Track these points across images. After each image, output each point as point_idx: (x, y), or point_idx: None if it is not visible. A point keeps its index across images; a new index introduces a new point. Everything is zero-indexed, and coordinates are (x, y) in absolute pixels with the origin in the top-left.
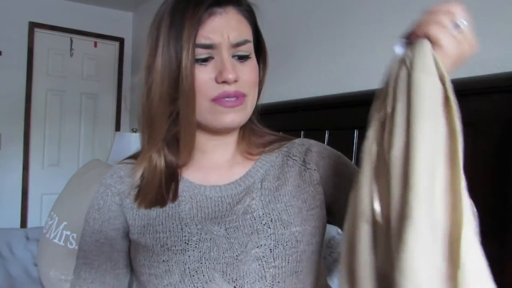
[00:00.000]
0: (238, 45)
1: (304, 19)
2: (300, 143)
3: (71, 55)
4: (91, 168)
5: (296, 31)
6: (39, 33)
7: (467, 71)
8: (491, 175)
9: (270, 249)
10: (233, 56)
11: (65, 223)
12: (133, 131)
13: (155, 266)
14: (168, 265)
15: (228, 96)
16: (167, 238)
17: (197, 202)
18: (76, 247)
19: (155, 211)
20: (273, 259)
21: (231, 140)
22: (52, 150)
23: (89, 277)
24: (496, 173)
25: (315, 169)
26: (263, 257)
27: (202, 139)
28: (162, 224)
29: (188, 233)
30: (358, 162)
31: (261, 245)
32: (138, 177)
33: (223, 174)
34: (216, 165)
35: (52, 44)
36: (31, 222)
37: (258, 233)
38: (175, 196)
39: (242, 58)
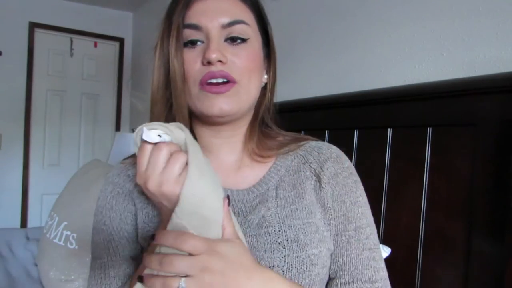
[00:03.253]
0: (230, 25)
1: (304, 19)
2: (317, 149)
3: (71, 55)
4: (91, 168)
5: (296, 31)
6: (39, 33)
7: (467, 71)
8: (491, 175)
9: (283, 271)
10: (226, 40)
11: (65, 223)
12: (133, 131)
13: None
14: None
15: (213, 76)
16: None
17: None
18: (76, 247)
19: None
20: None
21: (236, 139)
22: (52, 150)
23: (117, 274)
24: (496, 173)
25: (328, 190)
26: None
27: (205, 135)
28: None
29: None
30: (358, 162)
31: (273, 266)
32: None
33: (231, 176)
34: (222, 166)
35: (52, 44)
36: (31, 222)
37: (272, 252)
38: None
39: (236, 40)
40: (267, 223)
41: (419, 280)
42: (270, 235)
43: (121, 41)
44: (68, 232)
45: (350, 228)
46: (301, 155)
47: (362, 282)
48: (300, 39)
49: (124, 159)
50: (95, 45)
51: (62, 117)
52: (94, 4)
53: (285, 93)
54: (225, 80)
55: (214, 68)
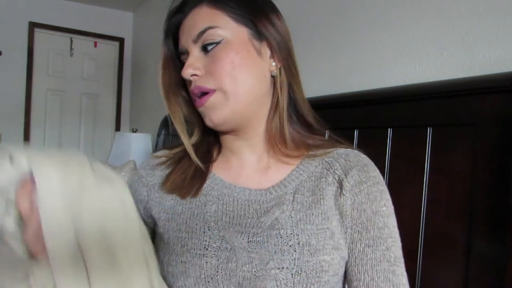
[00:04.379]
0: (198, 36)
1: (304, 19)
2: (345, 156)
3: (71, 55)
4: None
5: (296, 31)
6: (39, 33)
7: (467, 71)
8: (491, 175)
9: (292, 274)
10: (203, 49)
11: None
12: (133, 131)
13: (173, 265)
14: (185, 267)
15: (193, 93)
16: (188, 239)
17: (223, 204)
18: None
19: (181, 207)
20: (293, 284)
21: (257, 140)
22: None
23: None
24: (496, 173)
25: (348, 197)
26: (283, 279)
27: (226, 137)
28: (186, 223)
29: (209, 238)
30: None
31: (282, 268)
32: (169, 166)
33: (254, 177)
34: (245, 166)
35: (52, 44)
36: None
37: (282, 254)
38: (197, 192)
39: (209, 46)
40: (279, 225)
41: (419, 280)
42: (281, 237)
43: (121, 41)
44: None
45: (368, 237)
46: (326, 161)
47: None
48: (300, 39)
49: (159, 149)
50: (95, 45)
51: (62, 117)
52: (94, 4)
53: None
54: (203, 92)
55: (192, 85)
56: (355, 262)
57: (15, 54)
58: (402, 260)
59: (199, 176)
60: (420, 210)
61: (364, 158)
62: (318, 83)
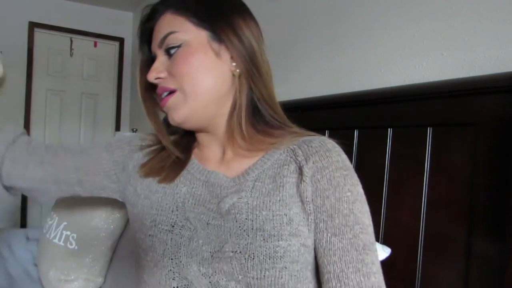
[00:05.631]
0: (162, 42)
1: (304, 19)
2: (308, 142)
3: (71, 55)
4: None
5: (295, 31)
6: (39, 33)
7: (467, 71)
8: (491, 175)
9: (245, 259)
10: (167, 53)
11: (65, 223)
12: (133, 131)
13: (143, 239)
14: (152, 241)
15: (158, 94)
16: (157, 215)
17: (193, 187)
18: (76, 247)
19: (156, 186)
20: (247, 269)
21: (219, 136)
22: None
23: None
24: (496, 173)
25: (308, 184)
26: (237, 263)
27: (198, 133)
28: (158, 201)
29: (176, 217)
30: (358, 162)
31: (236, 251)
32: (153, 148)
33: (221, 168)
34: (213, 157)
35: (52, 44)
36: (31, 222)
37: (236, 238)
38: (173, 178)
39: (171, 50)
40: (235, 210)
41: (419, 280)
42: (236, 221)
43: (121, 41)
44: (68, 232)
45: (333, 226)
46: (291, 149)
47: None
48: (300, 39)
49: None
50: (95, 45)
51: (62, 117)
52: (94, 4)
53: (285, 93)
54: (166, 92)
55: (158, 87)
56: (324, 253)
57: (15, 54)
58: (374, 247)
59: (178, 163)
60: (420, 210)
61: (329, 143)
62: (318, 83)
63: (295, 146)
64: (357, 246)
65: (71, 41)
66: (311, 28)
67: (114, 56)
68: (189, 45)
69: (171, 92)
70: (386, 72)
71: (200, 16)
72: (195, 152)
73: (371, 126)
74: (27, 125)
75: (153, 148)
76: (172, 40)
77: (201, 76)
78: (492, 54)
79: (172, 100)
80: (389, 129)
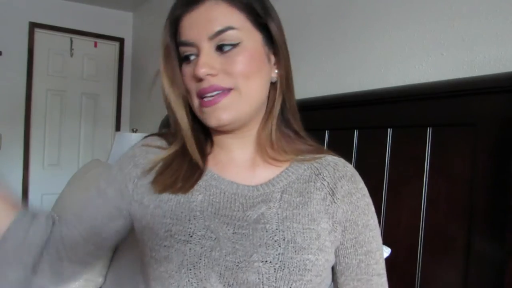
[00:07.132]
0: (217, 34)
1: (304, 19)
2: (334, 165)
3: (71, 55)
4: (91, 168)
5: (296, 31)
6: (39, 33)
7: (467, 71)
8: (491, 175)
9: (275, 269)
10: (218, 49)
11: None
12: (133, 131)
13: (156, 250)
14: (168, 252)
15: (205, 92)
16: (172, 225)
17: (210, 195)
18: None
19: (168, 195)
20: (275, 279)
21: (248, 139)
22: (52, 150)
23: (72, 224)
24: (496, 173)
25: (340, 206)
26: (265, 273)
27: (217, 133)
28: (171, 210)
29: (195, 226)
30: (358, 162)
31: (266, 261)
32: (161, 158)
33: (241, 173)
34: (234, 162)
35: (52, 44)
36: None
37: (266, 248)
38: (188, 189)
39: (226, 47)
40: (265, 220)
41: (419, 280)
42: (267, 231)
43: (121, 41)
44: None
45: (361, 253)
46: (315, 167)
47: None
48: (300, 39)
49: (155, 133)
50: (95, 45)
51: (62, 117)
52: (94, 4)
53: None
54: (218, 92)
55: (205, 84)
56: (351, 276)
57: (15, 54)
58: (385, 269)
59: (192, 172)
60: (420, 210)
61: (351, 169)
62: (318, 83)
63: (319, 165)
64: (379, 271)
65: (71, 41)
66: (311, 28)
67: (114, 56)
68: (246, 45)
69: (223, 91)
70: (386, 72)
71: (256, 16)
72: (209, 157)
73: (371, 126)
74: (27, 125)
75: (159, 157)
76: (230, 37)
77: (256, 79)
78: (492, 54)
79: (226, 99)
80: (389, 129)
